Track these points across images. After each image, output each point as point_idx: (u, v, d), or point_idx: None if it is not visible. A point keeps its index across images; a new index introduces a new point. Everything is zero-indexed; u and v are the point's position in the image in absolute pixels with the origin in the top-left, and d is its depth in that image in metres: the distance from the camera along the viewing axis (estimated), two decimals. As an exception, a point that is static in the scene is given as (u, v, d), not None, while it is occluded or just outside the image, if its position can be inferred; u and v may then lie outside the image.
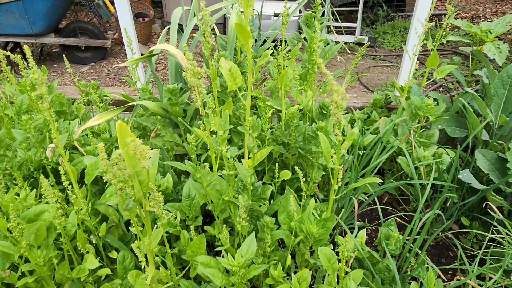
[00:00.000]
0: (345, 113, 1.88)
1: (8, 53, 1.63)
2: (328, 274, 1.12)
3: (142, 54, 2.71)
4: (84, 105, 1.88)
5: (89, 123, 1.29)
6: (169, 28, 1.56)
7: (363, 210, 1.72)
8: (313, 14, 1.51)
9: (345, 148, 1.05)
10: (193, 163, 0.99)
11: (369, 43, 3.59)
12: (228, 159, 0.99)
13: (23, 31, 3.62)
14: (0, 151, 1.07)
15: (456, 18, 4.03)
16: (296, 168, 1.23)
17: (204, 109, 0.98)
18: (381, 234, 1.33)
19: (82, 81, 1.83)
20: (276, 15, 3.68)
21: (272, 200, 1.33)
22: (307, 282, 1.06)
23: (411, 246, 1.37)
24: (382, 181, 1.09)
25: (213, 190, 1.10)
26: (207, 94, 0.93)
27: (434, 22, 4.19)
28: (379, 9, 4.29)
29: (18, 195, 1.09)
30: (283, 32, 1.32)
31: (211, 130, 1.00)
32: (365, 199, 1.52)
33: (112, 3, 3.90)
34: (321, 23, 1.49)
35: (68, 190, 1.05)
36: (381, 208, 1.73)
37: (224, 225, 1.06)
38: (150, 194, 0.83)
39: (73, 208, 1.04)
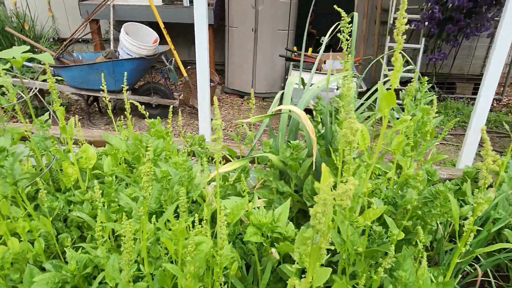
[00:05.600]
0: (434, 184, 1.94)
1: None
2: None
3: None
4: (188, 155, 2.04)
5: (221, 169, 1.41)
6: (281, 94, 1.74)
7: (466, 281, 1.69)
8: (417, 88, 1.67)
9: (481, 211, 1.11)
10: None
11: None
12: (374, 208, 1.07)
13: (107, 87, 4.04)
14: (161, 184, 1.21)
15: None
16: (418, 227, 1.28)
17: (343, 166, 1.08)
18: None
19: (188, 134, 2.01)
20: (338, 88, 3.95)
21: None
22: None
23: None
24: (516, 246, 1.12)
25: (348, 240, 1.16)
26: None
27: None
28: (431, 90, 4.52)
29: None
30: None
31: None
32: (471, 271, 1.52)
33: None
34: (426, 97, 1.64)
35: (220, 227, 1.15)
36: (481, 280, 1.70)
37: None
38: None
39: (221, 243, 1.12)
